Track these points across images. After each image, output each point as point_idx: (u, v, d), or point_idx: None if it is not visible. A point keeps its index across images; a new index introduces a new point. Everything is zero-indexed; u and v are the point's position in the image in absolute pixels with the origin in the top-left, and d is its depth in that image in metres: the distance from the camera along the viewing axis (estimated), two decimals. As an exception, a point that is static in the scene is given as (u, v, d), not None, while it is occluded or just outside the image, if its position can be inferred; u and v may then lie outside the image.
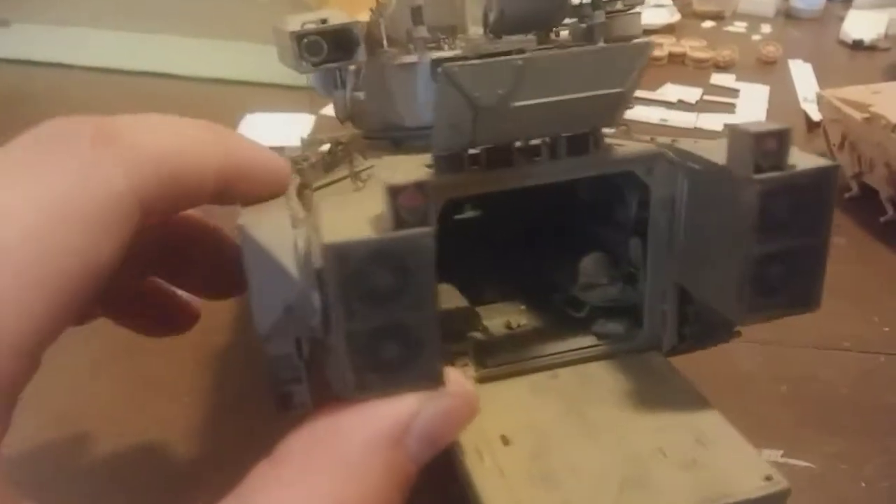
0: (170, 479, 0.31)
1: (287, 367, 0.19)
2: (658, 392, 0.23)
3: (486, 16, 0.25)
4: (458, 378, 0.18)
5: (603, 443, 0.21)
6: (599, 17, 0.25)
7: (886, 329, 0.39)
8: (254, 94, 0.65)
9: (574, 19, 0.27)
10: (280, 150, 0.23)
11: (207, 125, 0.21)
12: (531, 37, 0.25)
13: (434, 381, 0.18)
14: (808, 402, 0.34)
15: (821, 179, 0.19)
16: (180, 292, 0.27)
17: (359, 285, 0.17)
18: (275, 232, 0.18)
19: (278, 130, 0.53)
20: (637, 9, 0.27)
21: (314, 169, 0.25)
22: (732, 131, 0.19)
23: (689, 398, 0.22)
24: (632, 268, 0.26)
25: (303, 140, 0.27)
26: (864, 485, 0.30)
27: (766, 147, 0.19)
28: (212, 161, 0.20)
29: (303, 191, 0.22)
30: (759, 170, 0.19)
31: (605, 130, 0.23)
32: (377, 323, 0.17)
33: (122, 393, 0.35)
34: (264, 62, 0.62)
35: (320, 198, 0.20)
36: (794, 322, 0.39)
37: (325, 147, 0.29)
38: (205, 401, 0.35)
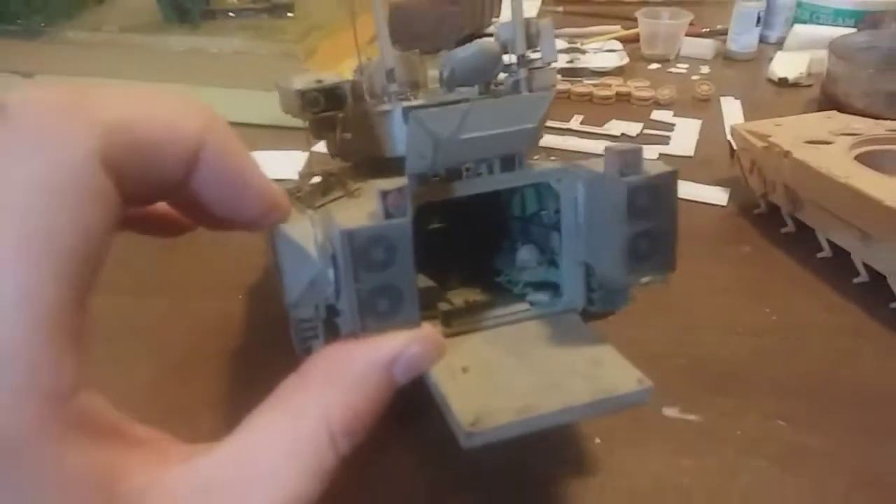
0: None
1: (309, 326, 0.28)
2: (570, 336, 0.31)
3: (441, 73, 0.34)
4: (431, 328, 0.26)
5: (531, 368, 0.29)
6: (523, 72, 0.34)
7: (774, 318, 0.48)
8: (255, 135, 0.72)
9: (506, 74, 0.36)
10: (280, 182, 0.31)
11: (189, 99, 0.21)
12: (475, 88, 0.35)
13: (413, 323, 0.26)
14: (704, 372, 0.43)
15: (666, 180, 0.28)
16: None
17: (362, 258, 0.25)
18: (300, 230, 0.27)
19: (277, 166, 0.61)
20: (552, 65, 0.37)
21: (312, 195, 0.33)
22: (608, 151, 0.28)
23: (591, 339, 0.30)
24: (553, 254, 0.34)
25: (300, 174, 0.36)
26: (739, 433, 0.38)
27: (628, 160, 0.27)
28: (189, 131, 0.21)
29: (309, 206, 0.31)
30: (624, 175, 0.27)
31: (530, 155, 0.32)
32: (374, 284, 0.25)
33: (175, 413, 0.38)
34: (264, 107, 0.71)
35: (328, 207, 0.28)
36: (701, 311, 0.48)
37: (317, 179, 0.38)
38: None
